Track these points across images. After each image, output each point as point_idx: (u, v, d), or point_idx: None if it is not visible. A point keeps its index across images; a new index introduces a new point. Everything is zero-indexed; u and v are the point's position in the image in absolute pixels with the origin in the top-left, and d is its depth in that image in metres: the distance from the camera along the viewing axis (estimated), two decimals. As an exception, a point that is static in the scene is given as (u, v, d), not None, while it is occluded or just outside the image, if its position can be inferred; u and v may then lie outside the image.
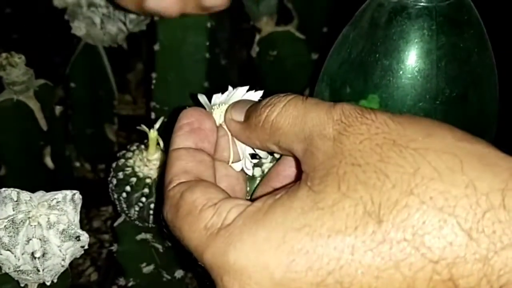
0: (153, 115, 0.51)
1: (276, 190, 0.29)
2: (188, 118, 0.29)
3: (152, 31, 0.59)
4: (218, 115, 0.30)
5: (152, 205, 0.40)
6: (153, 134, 0.40)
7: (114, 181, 0.41)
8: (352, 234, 0.21)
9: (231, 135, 0.29)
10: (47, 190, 0.36)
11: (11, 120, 0.45)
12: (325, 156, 0.23)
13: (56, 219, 0.33)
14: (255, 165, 0.34)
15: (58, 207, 0.33)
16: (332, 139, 0.23)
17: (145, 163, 0.41)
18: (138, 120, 0.74)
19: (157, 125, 0.40)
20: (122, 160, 0.41)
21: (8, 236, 0.32)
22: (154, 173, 0.40)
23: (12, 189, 0.33)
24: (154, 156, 0.41)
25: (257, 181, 0.33)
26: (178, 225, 0.25)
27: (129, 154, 0.41)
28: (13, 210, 0.33)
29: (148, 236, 0.44)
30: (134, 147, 0.42)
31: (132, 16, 0.55)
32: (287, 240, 0.22)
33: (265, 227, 0.23)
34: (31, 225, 0.32)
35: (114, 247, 0.46)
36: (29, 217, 0.33)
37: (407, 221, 0.21)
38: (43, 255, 0.33)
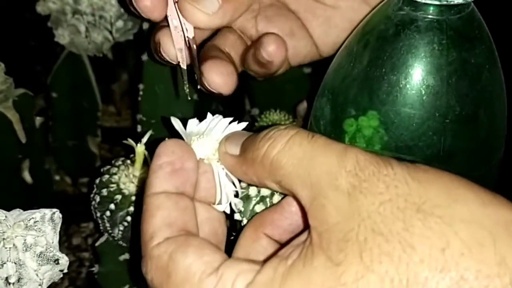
0: (139, 128, 0.49)
1: (276, 243, 0.27)
2: (169, 156, 0.26)
3: (139, 41, 0.57)
4: (199, 148, 0.27)
5: (137, 225, 0.38)
6: (140, 148, 0.38)
7: (98, 198, 0.38)
8: None
9: (219, 171, 0.27)
10: (25, 206, 0.33)
11: (-13, 131, 0.42)
12: (340, 214, 0.21)
13: (34, 241, 0.30)
14: (249, 184, 0.32)
15: (35, 227, 0.31)
16: (347, 194, 0.21)
17: (131, 179, 0.38)
18: (122, 132, 0.72)
19: (144, 139, 0.38)
20: (106, 176, 0.39)
21: (-21, 259, 0.30)
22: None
23: (-15, 207, 0.31)
24: (141, 172, 0.38)
25: (253, 202, 0.31)
26: None
27: (114, 170, 0.39)
28: (-14, 231, 0.30)
29: (132, 256, 0.42)
30: (120, 162, 0.40)
31: (119, 24, 0.53)
32: None
33: None
34: (6, 248, 0.30)
35: (95, 268, 0.43)
36: (3, 239, 0.30)
37: None
38: (18, 280, 0.30)
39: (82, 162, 0.63)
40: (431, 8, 0.27)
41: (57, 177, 0.61)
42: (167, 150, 0.26)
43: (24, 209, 0.32)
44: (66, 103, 0.58)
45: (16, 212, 0.32)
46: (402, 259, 0.20)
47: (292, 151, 0.23)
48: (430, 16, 0.27)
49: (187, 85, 0.28)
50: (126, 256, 0.42)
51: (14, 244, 0.30)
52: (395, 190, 0.21)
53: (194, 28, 0.30)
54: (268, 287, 0.21)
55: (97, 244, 0.42)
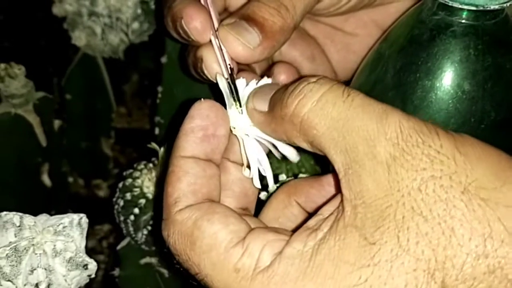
0: (157, 131, 0.49)
1: (307, 215, 0.26)
2: (202, 119, 0.25)
3: (154, 42, 0.56)
4: (233, 116, 0.26)
5: (161, 229, 0.38)
6: (164, 152, 0.37)
7: (121, 203, 0.38)
8: None
9: (246, 145, 0.26)
10: (43, 209, 0.33)
11: (8, 135, 0.42)
12: (377, 187, 0.20)
13: (63, 247, 0.30)
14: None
15: (64, 233, 0.31)
16: (386, 166, 0.20)
17: (155, 183, 0.38)
18: (133, 133, 0.72)
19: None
20: (130, 180, 0.39)
21: (9, 265, 0.29)
22: (164, 195, 0.38)
23: (14, 213, 0.31)
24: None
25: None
26: (196, 260, 0.23)
27: (137, 174, 0.39)
28: (15, 236, 0.30)
29: (153, 260, 0.42)
30: (142, 166, 0.39)
31: (135, 26, 0.53)
32: None
33: (313, 279, 0.20)
34: (36, 253, 0.30)
35: (116, 272, 0.43)
36: (33, 244, 0.30)
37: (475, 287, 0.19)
38: (48, 286, 0.30)
39: (95, 164, 0.62)
40: (466, 13, 0.27)
41: (70, 179, 0.61)
42: (202, 113, 0.25)
43: (43, 213, 0.32)
44: (80, 105, 0.58)
45: (43, 217, 0.32)
46: (440, 241, 0.19)
47: (325, 111, 0.22)
48: (465, 21, 0.27)
49: (237, 101, 0.27)
50: (147, 259, 0.42)
51: (44, 250, 0.30)
52: (440, 166, 0.20)
53: (232, 60, 0.30)
54: (297, 261, 0.21)
55: (118, 247, 0.42)
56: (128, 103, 0.73)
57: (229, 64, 0.29)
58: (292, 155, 0.26)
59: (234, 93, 0.27)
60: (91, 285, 0.57)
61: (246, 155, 0.26)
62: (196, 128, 0.25)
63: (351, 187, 0.21)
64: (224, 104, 0.27)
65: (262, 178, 0.27)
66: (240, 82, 0.27)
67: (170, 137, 0.26)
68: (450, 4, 0.26)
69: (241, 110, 0.26)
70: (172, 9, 0.30)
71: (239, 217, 0.24)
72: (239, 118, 0.26)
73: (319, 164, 0.35)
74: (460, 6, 0.26)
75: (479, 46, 0.26)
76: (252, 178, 0.26)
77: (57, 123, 0.47)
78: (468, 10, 0.26)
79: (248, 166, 0.26)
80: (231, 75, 0.28)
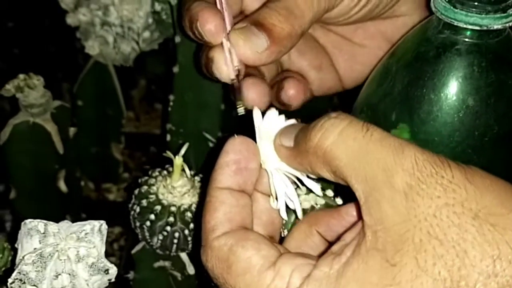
0: (168, 137, 0.50)
1: (328, 244, 0.28)
2: (236, 154, 0.27)
3: (164, 50, 0.58)
4: (263, 150, 0.28)
5: (176, 234, 0.39)
6: (178, 160, 0.39)
7: (137, 209, 0.39)
8: None
9: (274, 179, 0.28)
10: (59, 214, 0.34)
11: (27, 143, 0.43)
12: (396, 213, 0.22)
13: (86, 252, 0.32)
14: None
15: (86, 239, 0.32)
16: (403, 194, 0.22)
17: (170, 190, 0.39)
18: (141, 137, 0.74)
19: (182, 152, 0.39)
20: (145, 187, 0.40)
21: (35, 271, 0.31)
22: (178, 201, 0.39)
23: (38, 220, 0.32)
24: (178, 183, 0.40)
25: (294, 216, 0.32)
26: (232, 283, 0.25)
27: (152, 181, 0.40)
28: (40, 243, 0.32)
29: (167, 263, 0.43)
30: (157, 173, 0.41)
31: (146, 35, 0.54)
32: None
33: None
34: (60, 259, 0.31)
35: (130, 275, 0.44)
36: (57, 251, 0.31)
37: None
38: (72, 290, 0.31)
39: (105, 168, 0.64)
40: (471, 32, 0.28)
41: (81, 183, 0.62)
42: (235, 148, 0.27)
43: (59, 217, 0.34)
44: (91, 111, 0.59)
45: (65, 224, 0.33)
46: (455, 262, 0.21)
47: (346, 144, 0.24)
48: (469, 40, 0.28)
49: (239, 102, 0.29)
50: (161, 263, 0.43)
51: (68, 256, 0.31)
52: (452, 195, 0.22)
53: (241, 62, 0.32)
54: (324, 282, 0.23)
55: (133, 251, 0.43)
56: (136, 108, 0.75)
57: (236, 66, 0.31)
58: (316, 188, 0.28)
59: (238, 94, 0.29)
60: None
61: (274, 187, 0.28)
62: (230, 162, 0.27)
63: (372, 213, 0.23)
64: (254, 137, 0.29)
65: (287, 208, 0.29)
66: (271, 113, 0.29)
67: (206, 170, 0.28)
68: (455, 24, 0.28)
69: (243, 108, 0.29)
70: (189, 11, 0.33)
71: (270, 243, 0.26)
72: (268, 154, 0.28)
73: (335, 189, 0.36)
74: (464, 26, 0.28)
75: (483, 63, 0.28)
76: (279, 209, 0.28)
77: (72, 130, 0.48)
78: (472, 30, 0.28)
79: (276, 198, 0.28)
80: (237, 76, 0.30)
